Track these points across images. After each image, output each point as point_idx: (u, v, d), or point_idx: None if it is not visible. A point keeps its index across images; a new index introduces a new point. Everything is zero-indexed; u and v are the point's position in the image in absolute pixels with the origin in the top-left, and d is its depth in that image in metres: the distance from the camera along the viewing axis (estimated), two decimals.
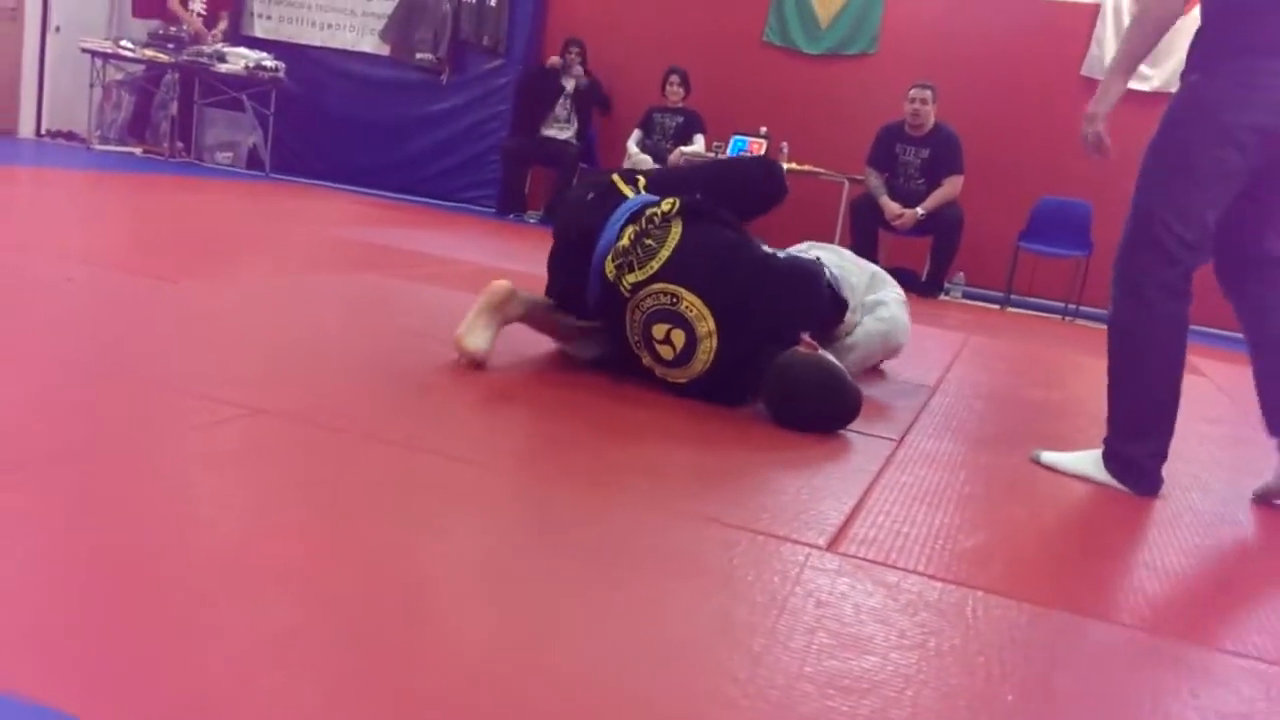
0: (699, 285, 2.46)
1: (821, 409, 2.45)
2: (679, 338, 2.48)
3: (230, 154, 8.73)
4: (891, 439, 2.49)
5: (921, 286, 6.71)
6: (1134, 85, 6.94)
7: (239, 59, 8.07)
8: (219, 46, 8.15)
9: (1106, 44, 7.11)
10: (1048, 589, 1.65)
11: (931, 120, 6.70)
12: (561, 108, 8.04)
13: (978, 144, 6.82)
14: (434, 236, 5.77)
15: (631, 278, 2.48)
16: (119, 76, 8.45)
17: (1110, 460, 2.35)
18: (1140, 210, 2.25)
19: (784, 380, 2.44)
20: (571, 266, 2.61)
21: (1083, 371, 4.50)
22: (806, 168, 7.19)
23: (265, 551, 1.33)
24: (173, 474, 1.59)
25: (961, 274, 7.14)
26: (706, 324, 2.45)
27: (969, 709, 1.19)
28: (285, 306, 3.07)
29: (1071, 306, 6.85)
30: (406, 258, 4.65)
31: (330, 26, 8.84)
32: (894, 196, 6.69)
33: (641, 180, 2.71)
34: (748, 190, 2.85)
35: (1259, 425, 2.60)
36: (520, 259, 5.30)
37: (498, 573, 1.40)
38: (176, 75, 8.27)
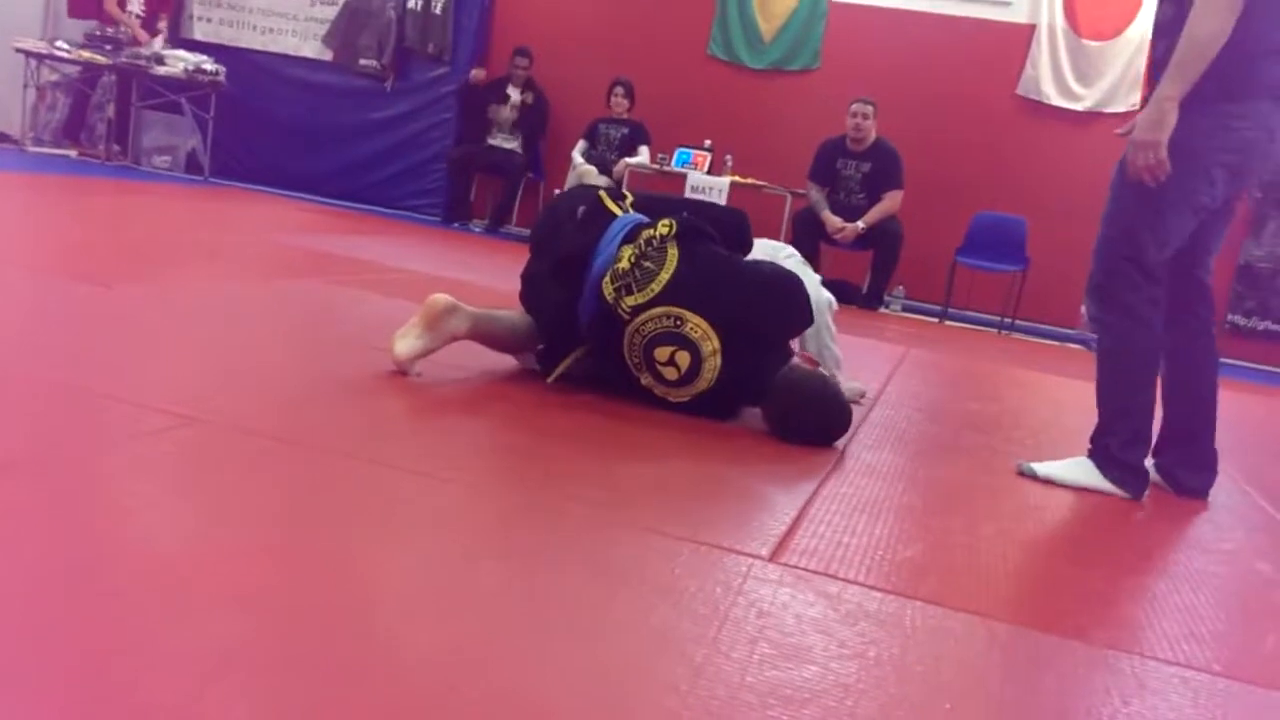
0: (701, 306, 2.49)
1: (823, 422, 2.54)
2: (684, 359, 2.51)
3: (168, 158, 8.59)
4: (833, 449, 2.52)
5: (862, 299, 6.81)
6: (1066, 104, 7.21)
7: (178, 62, 7.95)
8: (157, 49, 8.02)
9: (1041, 64, 7.27)
10: (984, 598, 1.68)
11: (872, 135, 6.80)
12: (507, 119, 8.04)
13: (917, 160, 6.93)
14: (377, 244, 5.72)
15: (631, 300, 2.49)
16: (54, 78, 8.28)
17: (1112, 468, 2.50)
18: (1123, 234, 2.43)
19: (791, 397, 2.52)
20: (564, 283, 2.58)
21: (1018, 385, 4.59)
22: (750, 181, 7.25)
23: (205, 566, 1.32)
24: (108, 486, 1.56)
25: (901, 287, 7.24)
26: (711, 343, 2.49)
27: (908, 718, 1.21)
28: (223, 313, 3.03)
29: (1007, 320, 6.98)
30: (349, 264, 4.61)
31: (272, 31, 8.74)
32: (835, 210, 6.78)
33: (629, 198, 2.72)
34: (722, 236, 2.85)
35: None
36: (466, 268, 5.28)
37: (441, 586, 1.40)
38: (113, 77, 8.12)
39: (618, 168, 7.50)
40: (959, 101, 7.46)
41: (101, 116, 8.39)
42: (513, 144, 8.06)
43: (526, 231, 8.26)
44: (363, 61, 8.49)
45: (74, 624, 1.12)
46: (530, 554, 1.56)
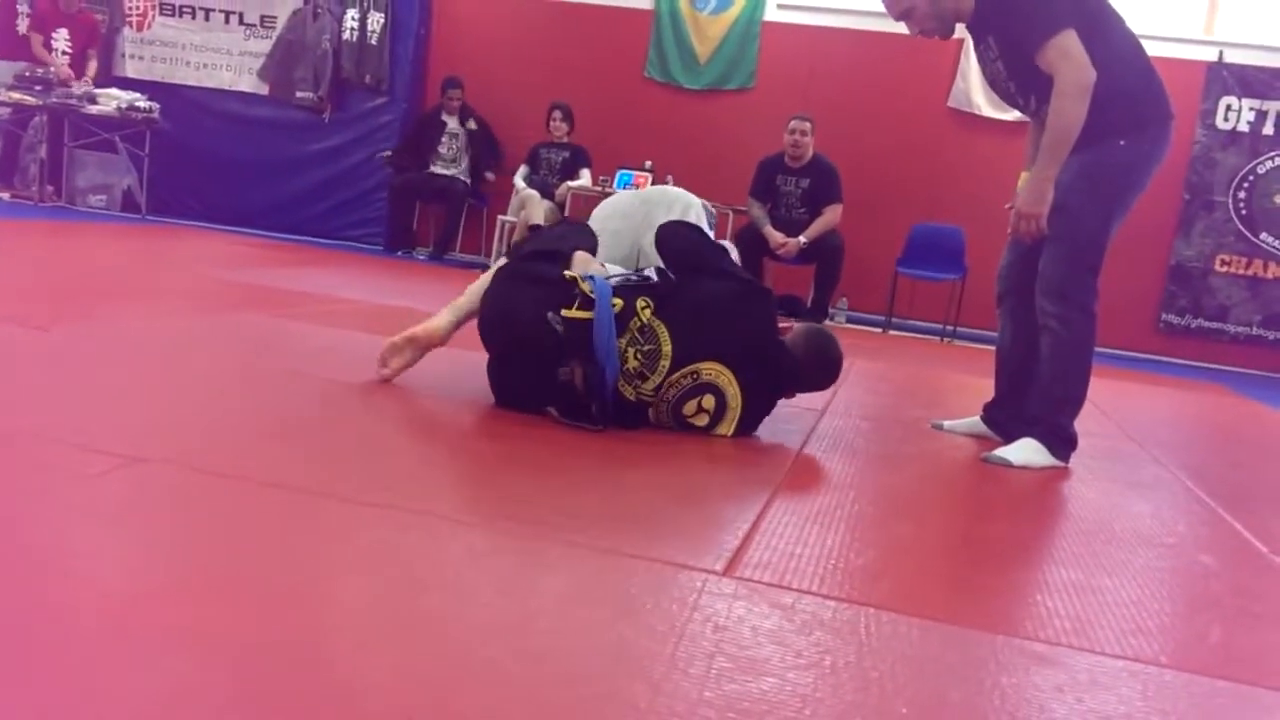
0: (704, 351, 2.59)
1: (836, 369, 2.84)
2: (710, 401, 2.62)
3: (104, 197, 8.46)
4: (784, 461, 2.54)
5: (807, 312, 6.87)
6: (997, 115, 7.34)
7: (110, 100, 7.85)
8: (89, 88, 7.91)
9: (971, 76, 7.41)
10: (936, 603, 1.71)
11: (810, 151, 6.88)
12: (447, 148, 8.03)
13: (854, 174, 7.02)
14: (319, 275, 5.68)
15: (649, 385, 2.58)
16: None
17: (1061, 444, 2.84)
18: (1084, 244, 2.74)
19: (822, 355, 2.79)
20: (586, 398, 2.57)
21: (963, 390, 4.65)
22: None
23: (155, 604, 1.30)
24: (51, 529, 1.53)
25: (845, 299, 7.33)
26: (726, 375, 2.60)
27: None
28: (165, 350, 2.99)
29: (949, 328, 7.08)
30: (291, 297, 4.57)
31: (206, 66, 8.66)
32: (777, 226, 6.84)
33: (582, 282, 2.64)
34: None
35: (1133, 438, 2.76)
36: (409, 295, 5.25)
37: (394, 615, 1.39)
38: (45, 117, 7.99)
39: (560, 191, 7.53)
40: (893, 116, 7.59)
41: (34, 157, 8.24)
42: (455, 171, 8.05)
43: (470, 258, 8.29)
44: (299, 94, 8.44)
45: (24, 668, 1.09)
46: (484, 579, 1.55)
